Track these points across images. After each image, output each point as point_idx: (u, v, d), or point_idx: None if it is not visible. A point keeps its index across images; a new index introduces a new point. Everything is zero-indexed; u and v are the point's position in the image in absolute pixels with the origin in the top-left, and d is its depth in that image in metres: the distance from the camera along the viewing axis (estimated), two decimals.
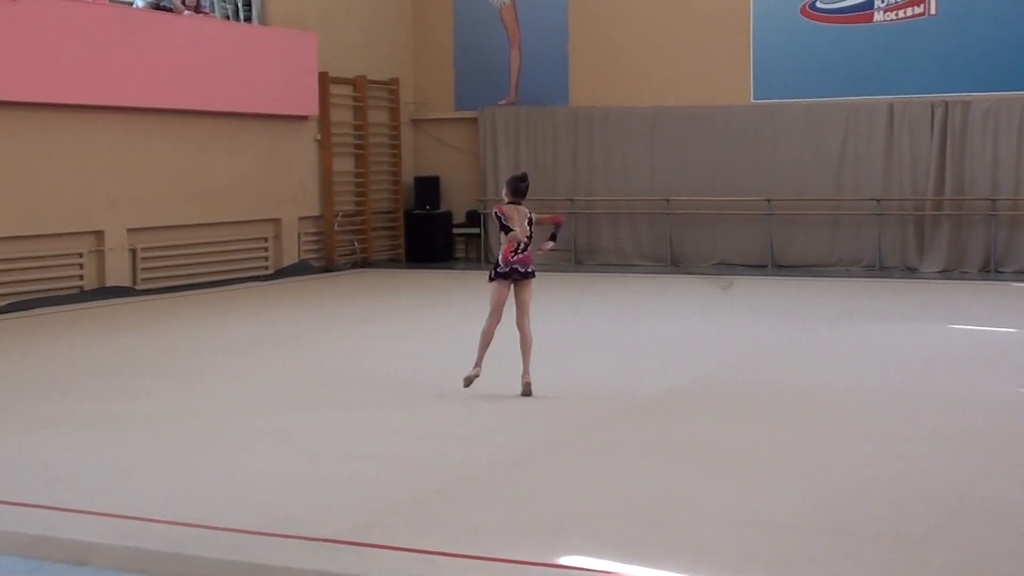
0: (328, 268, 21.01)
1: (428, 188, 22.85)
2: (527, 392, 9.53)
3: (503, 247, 9.65)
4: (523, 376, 9.62)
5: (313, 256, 21.10)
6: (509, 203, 9.76)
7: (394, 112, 22.97)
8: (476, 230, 22.66)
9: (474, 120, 22.92)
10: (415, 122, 23.57)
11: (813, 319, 14.27)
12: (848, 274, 19.54)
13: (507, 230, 9.64)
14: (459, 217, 23.07)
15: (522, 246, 9.59)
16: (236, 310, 15.82)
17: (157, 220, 18.08)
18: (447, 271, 21.37)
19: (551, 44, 22.37)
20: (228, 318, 15.01)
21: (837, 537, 5.90)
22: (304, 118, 20.76)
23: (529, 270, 9.65)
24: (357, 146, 22.10)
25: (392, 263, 22.09)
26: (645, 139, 21.49)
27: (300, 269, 20.40)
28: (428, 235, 22.52)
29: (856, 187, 20.10)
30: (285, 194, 20.42)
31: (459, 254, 23.19)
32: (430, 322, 14.34)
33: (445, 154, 23.30)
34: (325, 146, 21.20)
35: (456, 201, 23.12)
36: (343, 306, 15.95)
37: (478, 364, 9.65)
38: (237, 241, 19.60)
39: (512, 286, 9.69)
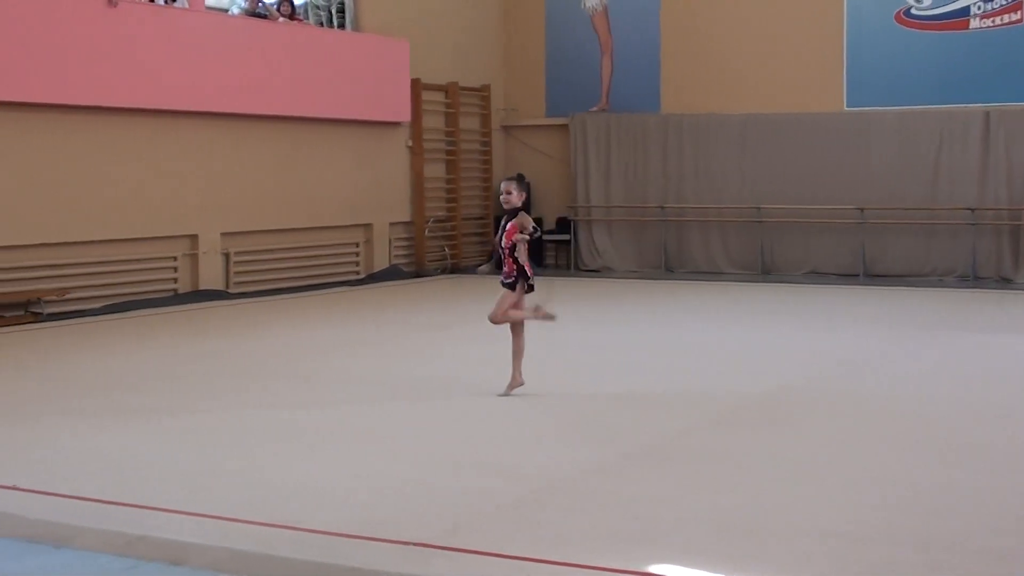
0: (418, 273, 21.12)
1: None
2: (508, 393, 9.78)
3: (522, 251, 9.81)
4: (515, 376, 9.88)
5: (403, 261, 21.22)
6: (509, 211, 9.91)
7: (485, 118, 23.06)
8: (566, 236, 22.65)
9: (565, 127, 22.93)
10: (506, 128, 23.65)
11: (904, 329, 14.12)
12: (941, 284, 19.31)
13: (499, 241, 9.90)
14: (549, 223, 23.03)
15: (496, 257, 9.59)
16: (326, 314, 15.91)
17: (250, 224, 18.28)
18: (537, 277, 21.25)
19: (643, 51, 22.35)
20: (318, 322, 15.10)
21: (925, 550, 5.82)
22: (396, 124, 20.89)
23: (506, 281, 9.85)
24: (448, 152, 22.19)
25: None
26: (736, 146, 21.40)
27: (391, 274, 20.51)
28: None
29: (950, 196, 19.85)
30: (376, 200, 20.56)
31: (549, 260, 23.20)
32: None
33: (536, 160, 23.35)
34: (416, 152, 21.30)
35: (546, 207, 23.13)
36: (432, 311, 16.00)
37: (519, 353, 9.91)
38: (329, 246, 19.76)
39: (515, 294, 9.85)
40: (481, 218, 22.72)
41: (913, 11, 20.16)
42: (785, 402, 9.75)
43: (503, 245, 9.83)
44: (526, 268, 9.83)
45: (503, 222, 9.85)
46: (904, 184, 20.12)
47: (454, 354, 12.42)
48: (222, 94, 17.51)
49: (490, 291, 15.01)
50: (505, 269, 9.86)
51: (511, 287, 9.82)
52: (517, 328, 9.90)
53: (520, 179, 10.07)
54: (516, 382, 9.83)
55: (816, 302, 16.96)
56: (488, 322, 10.00)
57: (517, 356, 9.86)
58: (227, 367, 11.67)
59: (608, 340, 13.29)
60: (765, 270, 20.94)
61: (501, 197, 9.90)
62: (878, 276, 20.07)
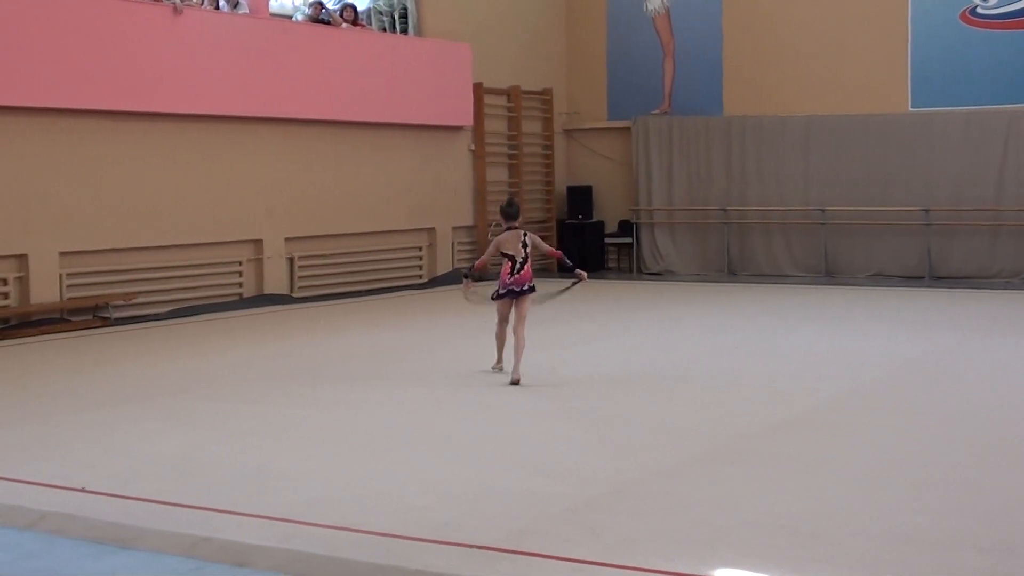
0: (481, 277, 20.98)
1: (581, 198, 22.90)
2: (515, 382, 10.44)
3: (501, 270, 10.80)
4: (513, 372, 10.56)
5: (466, 265, 21.12)
6: (505, 229, 10.91)
7: (547, 122, 23.06)
8: (628, 239, 22.61)
9: (627, 130, 22.90)
10: (568, 132, 23.63)
11: (971, 331, 13.97)
12: (1008, 286, 19.07)
13: (504, 255, 10.80)
14: (611, 227, 23.07)
15: (517, 266, 10.72)
16: (390, 317, 15.97)
17: (314, 229, 18.37)
18: (600, 280, 21.23)
19: (705, 53, 22.29)
20: (382, 325, 15.15)
21: (995, 555, 5.73)
22: (459, 128, 20.93)
23: (526, 287, 10.75)
24: (510, 156, 22.21)
25: (544, 272, 21.88)
26: (799, 148, 21.26)
27: (454, 278, 20.46)
28: (581, 244, 22.50)
29: (1018, 197, 19.60)
30: (439, 204, 20.60)
31: (611, 263, 23.18)
32: (580, 333, 14.30)
33: (598, 164, 23.34)
34: (479, 156, 21.34)
35: (609, 211, 23.12)
36: (493, 314, 15.87)
37: (499, 360, 11.08)
38: (392, 250, 19.83)
39: (514, 301, 10.80)
40: (543, 222, 22.68)
41: (979, 10, 19.94)
42: (851, 406, 9.65)
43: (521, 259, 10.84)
44: (499, 281, 10.97)
45: (525, 237, 10.88)
46: (970, 185, 19.91)
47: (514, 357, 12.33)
48: (286, 100, 17.61)
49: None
50: (524, 274, 10.84)
51: (529, 291, 10.82)
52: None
53: (503, 206, 11.30)
54: (497, 367, 11.09)
55: (881, 305, 16.82)
56: (497, 331, 11.21)
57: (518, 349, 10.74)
58: (291, 370, 11.72)
59: (672, 344, 13.27)
60: (829, 272, 20.79)
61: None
62: (944, 278, 19.89)
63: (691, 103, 22.40)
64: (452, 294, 18.90)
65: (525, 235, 10.93)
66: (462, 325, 14.93)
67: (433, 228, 20.50)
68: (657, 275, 22.02)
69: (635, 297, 18.28)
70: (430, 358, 12.43)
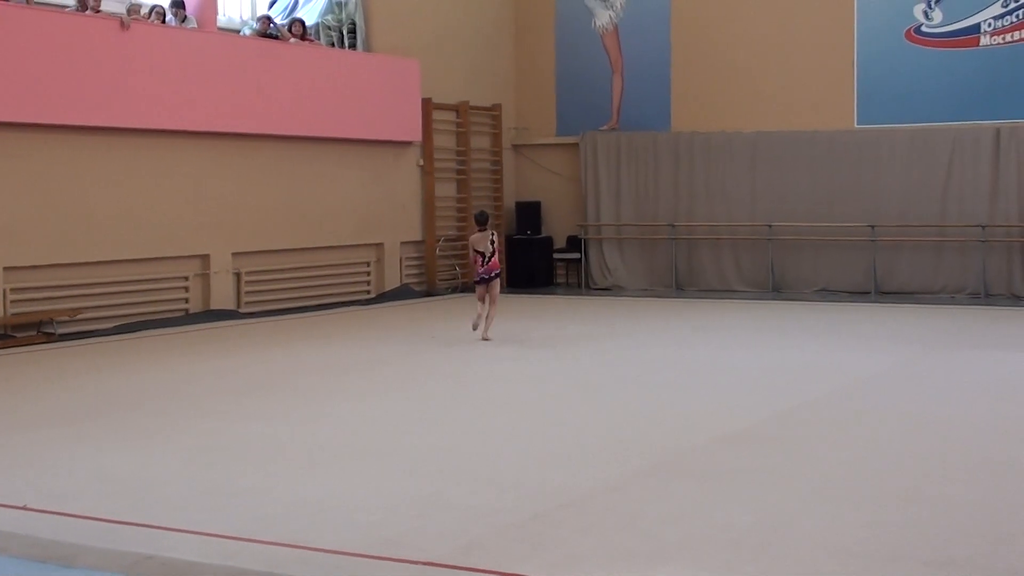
0: (429, 292, 21.12)
1: (530, 213, 22.92)
2: (486, 339, 14.42)
3: (475, 263, 14.72)
4: (484, 333, 14.54)
5: (415, 280, 21.22)
6: (478, 231, 14.77)
7: (496, 138, 23.08)
8: (576, 255, 22.66)
9: (575, 145, 22.96)
10: (517, 147, 23.67)
11: (917, 346, 14.03)
12: (953, 301, 19.23)
13: (475, 251, 14.67)
14: (560, 242, 23.12)
15: (486, 259, 14.55)
16: (337, 332, 15.93)
17: (261, 244, 18.30)
18: (548, 296, 21.41)
19: (653, 70, 22.36)
20: (329, 340, 15.12)
21: (940, 569, 5.74)
22: (407, 144, 20.91)
23: (494, 274, 14.63)
24: (459, 171, 22.21)
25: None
26: (746, 164, 21.37)
27: (402, 293, 20.53)
28: (529, 260, 22.59)
29: (961, 213, 19.77)
30: (388, 219, 20.56)
31: (560, 279, 23.22)
32: (531, 345, 14.33)
33: (546, 179, 23.38)
34: (428, 171, 21.32)
35: (557, 226, 23.16)
36: (443, 328, 15.96)
37: (477, 318, 14.60)
38: (340, 265, 19.77)
39: (487, 286, 14.56)
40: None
41: (923, 28, 20.09)
42: (799, 420, 9.67)
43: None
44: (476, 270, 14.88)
45: (493, 236, 14.86)
46: (915, 201, 20.06)
47: (464, 371, 12.40)
48: (234, 114, 17.53)
49: (502, 310, 15.07)
50: (492, 264, 14.72)
51: (496, 277, 14.70)
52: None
53: (477, 216, 15.21)
54: (476, 321, 14.65)
55: (828, 320, 16.90)
56: (479, 308, 14.66)
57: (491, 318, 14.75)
58: (236, 386, 11.66)
59: (619, 359, 13.27)
60: (776, 288, 20.89)
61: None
62: (889, 293, 20.02)
63: (639, 119, 22.46)
64: (401, 310, 18.92)
65: (492, 235, 14.83)
66: (409, 340, 14.91)
67: (381, 243, 20.45)
68: (605, 290, 22.08)
69: (583, 312, 18.32)
70: (377, 373, 12.40)
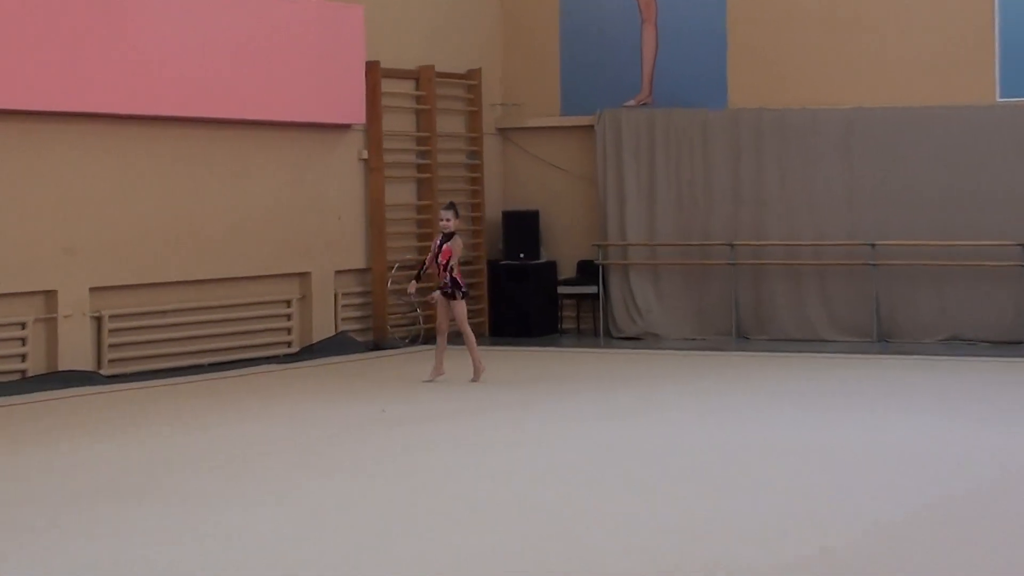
0: (377, 345, 21.11)
1: (523, 228, 22.93)
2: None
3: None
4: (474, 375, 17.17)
5: (356, 327, 21.23)
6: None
7: (473, 118, 23.14)
8: (592, 289, 22.62)
9: (589, 129, 22.98)
10: (504, 132, 23.77)
11: None
12: None
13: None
14: (567, 270, 23.17)
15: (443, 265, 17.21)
16: (239, 407, 15.83)
17: (132, 276, 18.20)
18: (550, 350, 21.43)
19: (702, 22, 22.44)
20: (226, 419, 15.03)
21: None
22: (344, 128, 20.93)
23: (443, 288, 17.29)
24: (420, 167, 22.24)
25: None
26: (840, 156, 21.39)
27: (337, 346, 20.50)
28: (523, 296, 22.58)
29: None
30: (316, 238, 20.54)
31: (568, 324, 23.23)
32: (529, 427, 14.29)
33: (547, 179, 23.43)
34: (374, 168, 21.29)
35: (563, 247, 23.23)
36: (399, 402, 15.79)
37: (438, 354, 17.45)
38: (246, 306, 19.73)
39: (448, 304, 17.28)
40: (468, 263, 22.40)
41: None
42: (941, 522, 9.73)
43: (440, 262, 17.13)
44: (460, 281, 17.27)
45: (440, 243, 17.22)
46: None
47: (429, 468, 12.25)
48: (89, 88, 17.38)
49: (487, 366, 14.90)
50: (441, 279, 17.20)
51: (450, 296, 17.12)
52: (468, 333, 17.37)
53: (455, 207, 17.69)
54: (440, 372, 17.33)
55: (964, 382, 16.86)
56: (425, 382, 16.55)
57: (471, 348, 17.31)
58: (92, 486, 11.50)
59: (659, 443, 13.18)
60: (883, 336, 20.89)
61: (441, 223, 17.50)
62: None
63: (682, 90, 22.47)
64: (335, 370, 18.97)
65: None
66: (346, 418, 14.84)
67: (307, 273, 20.41)
68: (634, 340, 22.06)
69: (602, 374, 18.30)
70: (298, 471, 12.22)
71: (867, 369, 18.46)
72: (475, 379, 17.08)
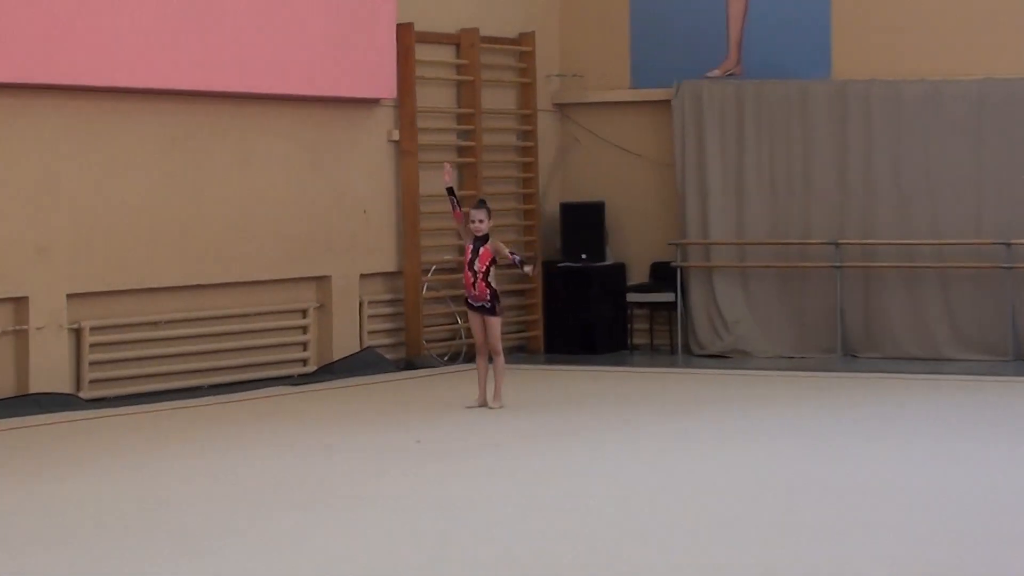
0: (410, 363, 21.03)
1: (584, 223, 22.94)
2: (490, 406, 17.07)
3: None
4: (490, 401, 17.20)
5: (385, 342, 21.16)
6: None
7: (526, 91, 23.07)
8: (669, 296, 22.57)
9: (665, 104, 22.91)
10: (562, 108, 23.75)
11: None
12: None
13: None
14: (639, 275, 23.25)
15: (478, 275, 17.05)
16: (242, 438, 15.74)
17: (117, 280, 18.16)
18: (617, 370, 21.39)
19: None
20: (227, 452, 14.93)
21: None
22: (371, 103, 20.85)
23: (479, 304, 17.18)
24: (463, 150, 22.13)
25: (520, 354, 22.16)
26: (966, 137, 21.27)
27: (362, 365, 20.43)
28: (584, 306, 22.47)
29: None
30: (338, 235, 20.50)
31: (639, 338, 23.21)
32: (585, 465, 14.03)
33: (614, 164, 23.38)
34: (408, 151, 21.22)
35: (633, 246, 23.31)
36: (436, 437, 15.63)
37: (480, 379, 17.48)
38: (255, 316, 19.74)
39: (481, 319, 17.25)
40: (514, 265, 22.06)
41: None
42: None
43: (478, 269, 16.86)
44: (498, 292, 17.15)
45: (475, 247, 16.93)
46: None
47: (471, 506, 11.99)
48: (66, 54, 17.36)
49: (536, 398, 14.61)
50: (476, 292, 16.95)
51: (490, 311, 17.03)
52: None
53: (487, 205, 17.33)
54: (484, 399, 17.20)
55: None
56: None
57: (498, 376, 17.23)
58: (57, 530, 11.19)
59: (755, 481, 12.96)
60: (1021, 354, 20.73)
61: (472, 225, 17.03)
62: None
63: (777, 58, 22.42)
64: (360, 394, 19.02)
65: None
66: (374, 450, 14.72)
67: (327, 277, 20.33)
68: (721, 358, 22.05)
69: (680, 399, 18.27)
70: (299, 519, 11.87)
71: (1002, 394, 18.46)
72: (493, 405, 17.08)
